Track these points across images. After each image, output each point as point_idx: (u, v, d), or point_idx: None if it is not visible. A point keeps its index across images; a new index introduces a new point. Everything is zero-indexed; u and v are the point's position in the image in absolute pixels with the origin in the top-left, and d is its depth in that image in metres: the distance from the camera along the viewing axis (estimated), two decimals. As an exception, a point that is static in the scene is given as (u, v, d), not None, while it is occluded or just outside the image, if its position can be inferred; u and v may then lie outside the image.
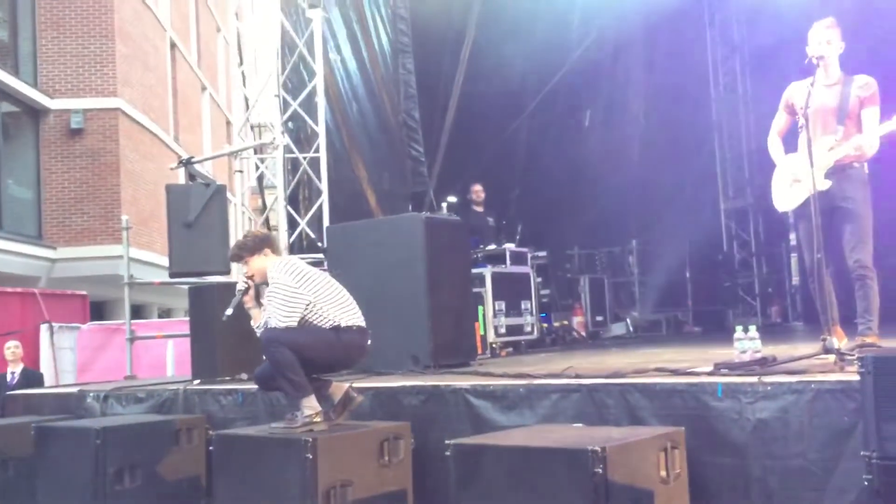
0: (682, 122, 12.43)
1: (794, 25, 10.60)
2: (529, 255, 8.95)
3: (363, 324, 4.58)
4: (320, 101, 7.21)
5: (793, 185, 4.87)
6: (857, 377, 3.38)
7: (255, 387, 5.52)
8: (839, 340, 4.33)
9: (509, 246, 8.65)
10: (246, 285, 4.59)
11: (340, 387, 4.48)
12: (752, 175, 12.87)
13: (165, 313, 19.62)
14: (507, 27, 10.16)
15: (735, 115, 13.06)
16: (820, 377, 3.67)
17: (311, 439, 4.05)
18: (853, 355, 3.85)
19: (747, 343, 4.18)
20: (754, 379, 3.75)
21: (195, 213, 6.84)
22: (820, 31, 4.68)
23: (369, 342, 4.62)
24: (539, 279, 9.36)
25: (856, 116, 4.72)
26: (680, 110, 12.40)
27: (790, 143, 4.96)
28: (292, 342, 4.33)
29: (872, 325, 4.58)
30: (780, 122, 5.04)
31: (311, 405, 4.26)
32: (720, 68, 13.06)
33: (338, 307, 4.50)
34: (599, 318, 11.15)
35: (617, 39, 12.17)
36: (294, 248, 7.07)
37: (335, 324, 4.45)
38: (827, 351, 4.16)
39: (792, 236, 11.68)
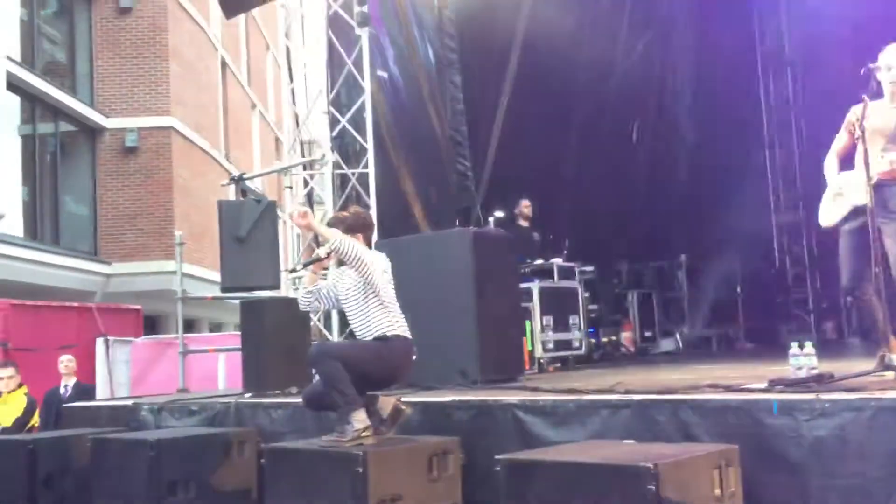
0: (732, 136, 12.29)
1: (846, 38, 10.48)
2: (577, 270, 8.90)
3: (409, 335, 4.59)
4: (368, 117, 7.30)
5: (834, 198, 4.79)
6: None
7: (306, 400, 5.59)
8: (896, 354, 4.23)
9: (557, 260, 8.62)
10: (326, 254, 4.53)
11: (388, 400, 4.49)
12: (804, 189, 12.64)
13: (216, 327, 19.93)
14: (554, 41, 10.16)
15: (787, 129, 12.85)
16: (879, 394, 3.58)
17: (361, 453, 4.07)
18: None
19: (803, 359, 4.10)
20: (811, 396, 3.67)
21: (247, 228, 6.94)
22: (891, 54, 4.57)
23: (415, 356, 4.63)
24: (587, 294, 9.30)
25: None
26: (730, 123, 12.25)
27: (848, 165, 4.88)
28: (342, 355, 4.36)
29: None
30: (840, 141, 4.93)
31: (360, 419, 4.28)
32: (771, 81, 12.88)
33: (394, 312, 4.52)
34: (648, 334, 11.04)
35: (665, 53, 12.09)
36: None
37: (382, 333, 4.46)
38: (886, 367, 4.07)
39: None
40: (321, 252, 4.60)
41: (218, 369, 9.05)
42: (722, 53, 12.19)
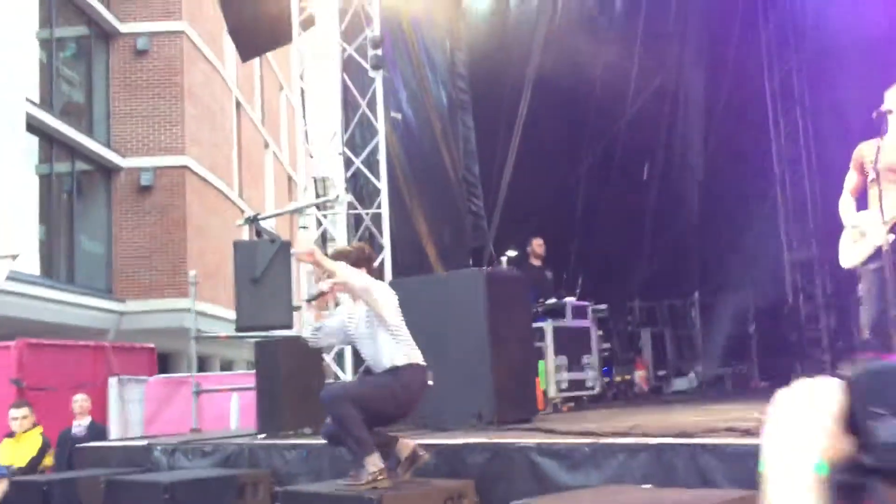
0: (743, 173, 12.31)
1: (855, 76, 10.54)
2: (590, 309, 8.89)
3: (422, 361, 4.58)
4: (382, 158, 7.37)
5: (858, 239, 4.79)
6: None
7: (321, 441, 5.58)
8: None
9: (570, 300, 8.61)
10: (329, 287, 4.59)
11: (408, 444, 4.48)
12: (816, 226, 12.60)
13: (227, 364, 19.94)
14: (565, 81, 10.26)
15: (797, 165, 12.86)
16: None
17: (376, 497, 4.06)
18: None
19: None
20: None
21: (261, 268, 6.99)
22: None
23: (430, 381, 4.60)
24: (600, 332, 9.27)
25: None
26: (741, 161, 12.28)
27: (863, 203, 4.90)
28: (355, 397, 4.37)
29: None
30: (851, 181, 4.96)
31: (374, 462, 4.27)
32: (781, 119, 12.92)
33: (405, 340, 4.53)
34: (662, 373, 10.98)
35: (676, 91, 12.18)
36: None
37: (394, 363, 4.46)
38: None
39: (860, 288, 11.37)
40: (324, 286, 4.65)
41: (231, 408, 9.05)
42: (731, 91, 12.27)
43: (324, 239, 8.12)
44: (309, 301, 4.78)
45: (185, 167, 16.06)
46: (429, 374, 4.60)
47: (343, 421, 4.31)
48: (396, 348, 4.50)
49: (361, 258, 4.72)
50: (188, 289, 8.80)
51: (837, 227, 5.17)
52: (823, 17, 11.61)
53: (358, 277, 4.44)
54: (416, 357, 4.57)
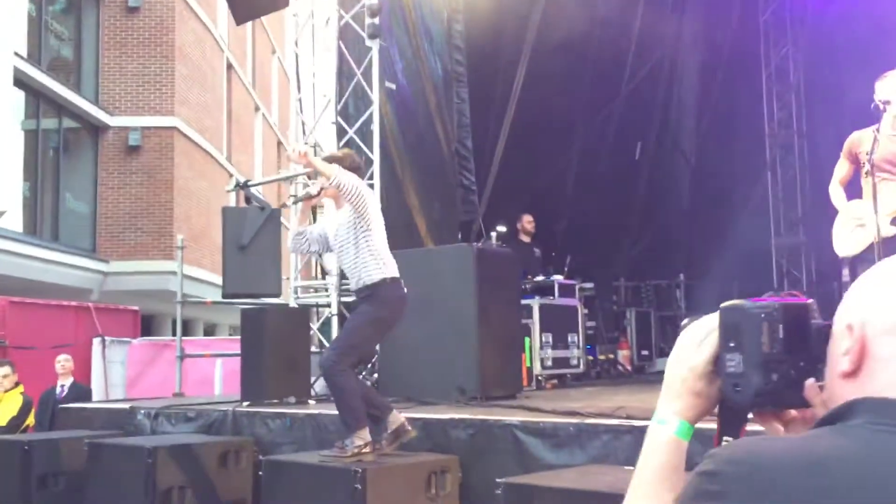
0: (734, 157, 12.32)
1: (850, 65, 10.54)
2: (577, 287, 8.92)
3: (398, 274, 4.62)
4: (376, 129, 7.30)
5: (856, 229, 4.80)
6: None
7: (304, 411, 5.60)
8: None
9: (557, 277, 8.63)
10: (318, 191, 4.64)
11: (398, 417, 4.49)
12: (805, 212, 12.66)
13: (211, 328, 19.93)
14: (561, 57, 10.20)
15: (789, 152, 12.88)
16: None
17: (360, 469, 4.08)
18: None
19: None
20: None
21: (249, 236, 6.94)
22: (893, 81, 4.62)
23: (405, 290, 4.64)
24: (585, 311, 9.32)
25: None
26: (732, 145, 12.29)
27: (850, 191, 4.91)
28: (348, 350, 4.44)
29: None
30: (842, 170, 4.97)
31: (362, 436, 4.29)
32: (775, 104, 12.91)
33: (384, 253, 4.58)
34: (645, 353, 11.05)
35: (671, 73, 12.15)
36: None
37: (372, 279, 4.47)
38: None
39: (845, 273, 11.45)
40: (312, 189, 4.66)
41: (215, 374, 9.05)
42: (726, 75, 12.24)
43: (313, 209, 8.08)
44: (295, 203, 4.77)
45: (174, 128, 15.89)
46: (404, 289, 4.64)
47: (342, 393, 4.35)
48: (375, 263, 4.50)
49: (353, 166, 4.67)
50: (173, 251, 8.75)
51: (825, 214, 5.19)
52: (821, 5, 11.58)
53: (351, 178, 4.42)
54: (393, 270, 4.58)
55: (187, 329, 16.45)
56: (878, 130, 4.53)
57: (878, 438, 0.93)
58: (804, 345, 1.13)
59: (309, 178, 7.79)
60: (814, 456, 0.93)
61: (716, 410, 1.19)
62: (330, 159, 4.69)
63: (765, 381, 1.12)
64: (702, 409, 1.18)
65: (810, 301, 1.16)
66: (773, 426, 1.17)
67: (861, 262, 4.78)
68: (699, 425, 1.18)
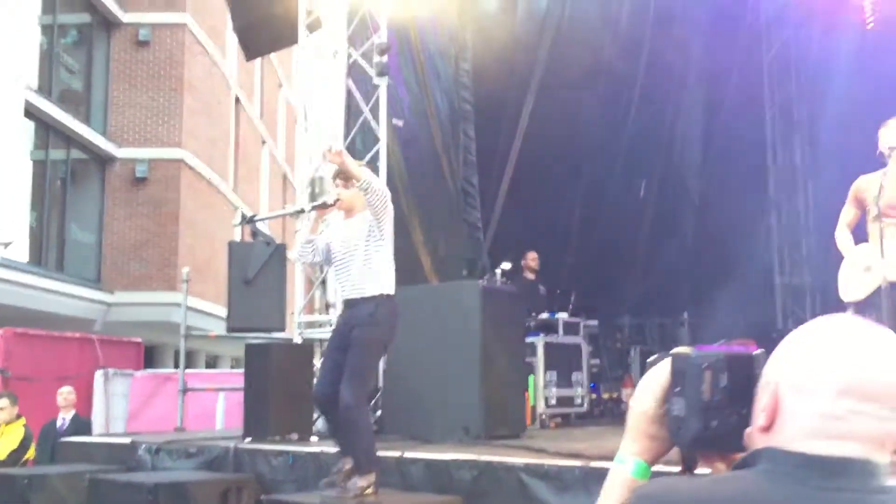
0: (738, 196, 12.34)
1: (854, 106, 10.60)
2: (582, 325, 8.89)
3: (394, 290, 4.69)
4: (382, 165, 7.33)
5: (862, 274, 4.79)
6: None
7: (307, 449, 5.56)
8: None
9: (562, 315, 8.61)
10: (333, 201, 4.66)
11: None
12: (809, 253, 12.66)
13: (213, 360, 19.87)
14: (567, 95, 10.28)
15: (794, 192, 12.92)
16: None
17: (363, 511, 4.04)
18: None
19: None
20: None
21: (254, 270, 6.95)
22: None
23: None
24: (590, 349, 9.28)
25: None
26: (737, 183, 12.32)
27: (856, 235, 4.92)
28: (367, 377, 4.55)
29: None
30: (848, 214, 4.98)
31: (368, 477, 4.25)
32: (779, 144, 12.98)
33: (391, 268, 4.66)
34: (649, 391, 10.97)
35: (676, 111, 12.21)
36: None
37: (374, 292, 4.51)
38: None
39: (849, 314, 11.42)
40: (328, 198, 4.70)
41: (217, 408, 9.00)
42: (731, 114, 12.30)
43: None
44: (313, 209, 4.77)
45: (181, 160, 15.99)
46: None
47: (361, 431, 4.35)
48: (381, 273, 4.55)
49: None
50: (178, 282, 8.77)
51: (830, 255, 5.20)
52: (825, 47, 11.68)
53: (381, 183, 4.61)
54: (392, 286, 4.64)
55: (189, 360, 16.38)
56: (885, 175, 4.54)
57: (771, 485, 1.05)
58: (747, 394, 1.17)
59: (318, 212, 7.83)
60: (713, 496, 1.08)
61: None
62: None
63: (703, 427, 1.17)
64: (657, 451, 1.25)
65: (757, 352, 1.21)
66: (715, 466, 1.23)
67: (866, 306, 4.77)
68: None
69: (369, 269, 4.54)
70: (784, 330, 13.35)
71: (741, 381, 1.18)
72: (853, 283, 4.86)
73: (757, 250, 12.75)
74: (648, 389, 1.25)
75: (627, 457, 1.26)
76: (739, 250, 12.24)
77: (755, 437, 1.14)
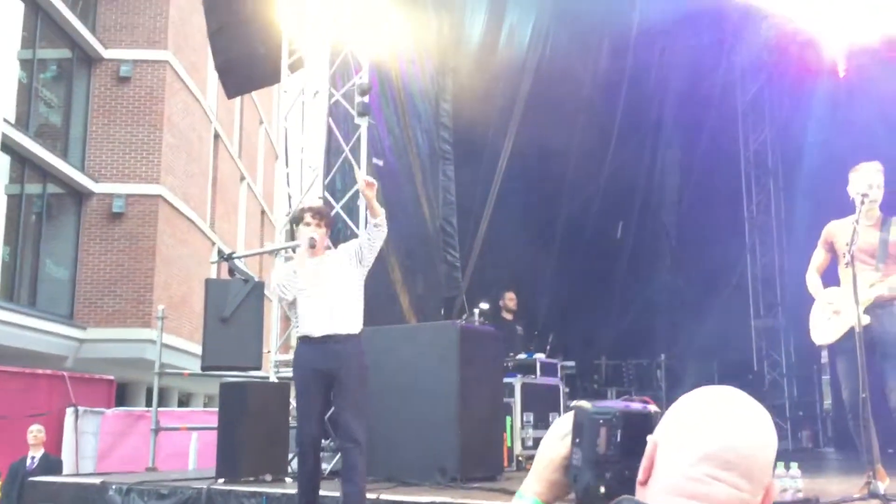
0: (714, 238, 12.49)
1: (827, 152, 10.83)
2: (559, 366, 8.88)
3: None
4: (362, 204, 7.34)
5: (832, 317, 4.86)
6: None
7: (281, 490, 5.48)
8: (882, 482, 4.23)
9: (540, 356, 8.60)
10: (314, 241, 4.79)
11: None
12: (783, 295, 12.80)
13: (186, 398, 19.60)
14: (545, 138, 10.38)
15: (768, 235, 13.10)
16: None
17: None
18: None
19: (788, 481, 4.10)
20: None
21: (231, 308, 6.90)
22: (870, 174, 4.76)
23: None
24: (566, 390, 9.26)
25: (895, 256, 4.76)
26: (713, 226, 12.47)
27: (827, 279, 5.00)
28: (366, 411, 4.68)
29: (917, 467, 4.47)
30: (818, 258, 5.07)
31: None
32: (754, 188, 13.19)
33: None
34: (626, 433, 10.95)
35: (653, 154, 12.38)
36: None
37: (358, 328, 4.77)
38: (871, 495, 4.06)
39: (823, 355, 11.53)
40: (318, 237, 4.81)
41: (190, 447, 8.86)
42: (707, 158, 12.49)
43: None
44: (312, 247, 4.82)
45: (159, 196, 15.92)
46: None
47: (364, 471, 4.41)
48: (359, 313, 4.78)
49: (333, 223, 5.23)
50: (152, 319, 8.67)
51: (804, 298, 5.27)
52: (798, 95, 11.94)
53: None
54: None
55: (162, 399, 16.15)
56: (857, 222, 4.63)
57: None
58: (640, 449, 1.21)
59: (293, 251, 7.82)
60: None
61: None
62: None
63: (597, 478, 1.24)
64: (556, 494, 1.33)
65: (654, 411, 1.27)
66: None
67: (837, 350, 4.83)
68: None
69: (353, 306, 4.67)
70: (759, 372, 13.49)
71: (636, 437, 1.22)
72: (823, 326, 4.93)
73: (733, 292, 12.87)
74: (558, 437, 1.32)
75: (528, 494, 1.33)
76: (715, 292, 12.35)
77: (637, 491, 1.20)
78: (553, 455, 1.32)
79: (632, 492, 1.21)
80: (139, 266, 15.54)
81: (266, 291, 7.80)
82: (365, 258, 4.81)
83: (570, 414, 1.31)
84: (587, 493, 1.25)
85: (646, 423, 1.25)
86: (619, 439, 1.26)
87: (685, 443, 1.15)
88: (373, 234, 4.79)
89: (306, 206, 5.12)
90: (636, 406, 1.30)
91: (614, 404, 1.29)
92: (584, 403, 1.29)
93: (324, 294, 4.67)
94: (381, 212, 4.76)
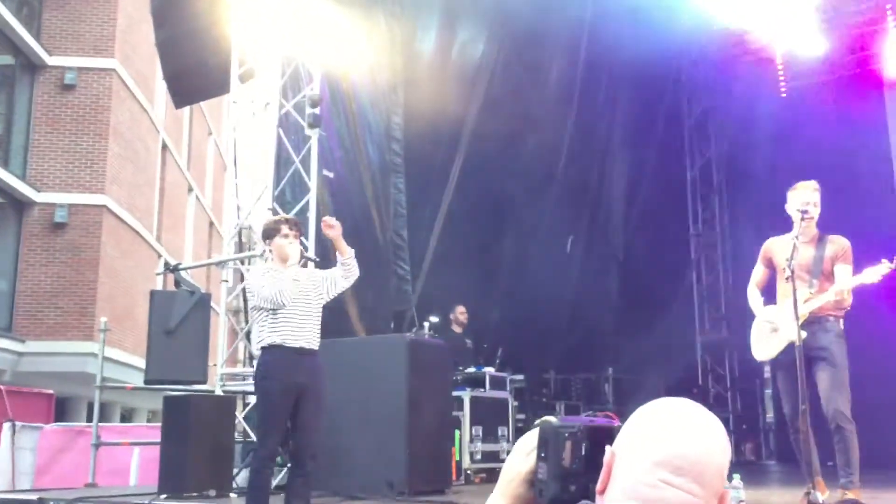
0: (661, 254, 12.69)
1: (769, 170, 11.11)
2: (508, 380, 8.92)
3: None
4: (312, 216, 7.29)
5: (770, 334, 4.97)
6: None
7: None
8: (822, 493, 4.32)
9: (489, 369, 8.62)
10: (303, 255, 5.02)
11: None
12: (728, 310, 13.06)
13: (129, 413, 19.16)
14: (496, 152, 10.46)
15: (713, 251, 13.37)
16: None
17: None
18: (837, 511, 3.84)
19: (731, 492, 4.16)
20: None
21: (177, 320, 6.79)
22: (808, 193, 4.89)
23: None
24: (516, 403, 9.30)
25: (829, 273, 4.90)
26: (660, 242, 12.68)
27: (767, 294, 5.12)
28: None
29: (854, 478, 4.58)
30: (758, 274, 5.20)
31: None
32: (699, 205, 13.46)
33: None
34: (574, 447, 11.03)
35: (602, 170, 12.56)
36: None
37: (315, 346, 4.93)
38: (811, 505, 4.15)
39: (766, 370, 11.78)
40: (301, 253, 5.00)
41: (131, 463, 8.66)
42: (655, 176, 12.71)
43: (244, 292, 7.96)
44: (304, 266, 5.07)
45: (104, 206, 15.59)
46: None
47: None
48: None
49: None
50: (94, 332, 8.47)
51: (747, 313, 5.39)
52: (742, 114, 12.24)
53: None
54: None
55: (104, 414, 15.76)
56: (797, 238, 4.75)
57: None
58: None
59: (241, 262, 7.72)
60: None
61: None
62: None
63: (561, 491, 1.27)
64: None
65: (618, 426, 1.30)
66: None
67: (777, 365, 4.94)
68: None
69: (316, 328, 4.82)
70: (704, 386, 13.71)
71: (600, 451, 1.26)
72: (762, 343, 5.04)
73: (679, 307, 13.08)
74: (524, 453, 1.36)
75: None
76: (662, 307, 12.55)
77: (597, 500, 1.24)
78: (520, 469, 1.35)
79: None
80: (82, 278, 15.18)
81: (213, 304, 7.68)
82: (330, 292, 4.95)
83: (535, 430, 1.34)
84: None
85: (610, 438, 1.28)
86: (583, 453, 1.29)
87: (640, 451, 1.19)
88: (345, 274, 4.97)
89: (282, 218, 5.12)
90: (600, 421, 1.33)
91: (579, 419, 1.33)
92: (550, 419, 1.33)
93: (306, 307, 4.78)
94: (350, 251, 4.88)
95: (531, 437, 1.35)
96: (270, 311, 4.67)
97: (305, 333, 4.71)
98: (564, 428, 1.30)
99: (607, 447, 1.24)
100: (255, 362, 7.52)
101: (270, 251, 4.98)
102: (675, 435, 1.19)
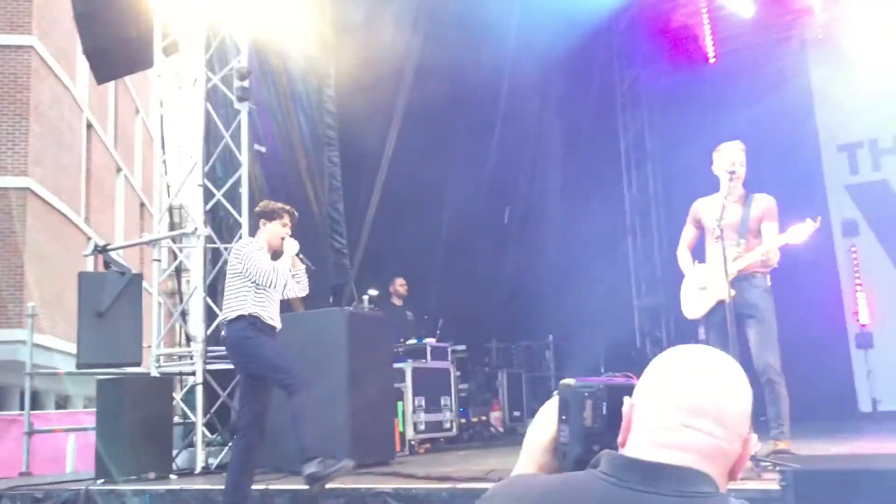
0: (597, 221, 12.83)
1: (699, 134, 11.30)
2: (450, 350, 8.95)
3: None
4: (244, 192, 7.16)
5: (699, 292, 5.07)
6: (775, 486, 3.46)
7: (164, 487, 5.30)
8: (754, 447, 4.44)
9: (430, 341, 8.64)
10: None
11: None
12: (663, 274, 13.29)
13: (64, 401, 18.70)
14: (431, 122, 10.39)
15: (647, 216, 13.57)
16: (737, 485, 3.72)
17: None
18: (769, 462, 3.95)
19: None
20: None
21: (108, 302, 6.62)
22: (735, 152, 4.98)
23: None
24: (458, 373, 9.35)
25: (756, 231, 5.00)
26: (596, 209, 12.81)
27: (697, 254, 5.22)
28: None
29: (784, 429, 4.72)
30: (688, 234, 5.29)
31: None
32: (633, 171, 13.63)
33: None
34: (517, 413, 11.16)
35: (536, 139, 12.61)
36: (210, 341, 6.90)
37: None
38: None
39: (701, 331, 12.06)
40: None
41: (67, 450, 8.46)
42: (589, 143, 12.82)
43: (178, 271, 7.80)
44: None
45: (27, 189, 15.06)
46: None
47: None
48: None
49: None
50: (23, 319, 8.19)
51: (681, 277, 5.48)
52: (672, 81, 12.41)
53: None
54: None
55: (37, 402, 15.36)
56: (726, 198, 4.83)
57: (597, 483, 1.16)
58: None
59: (174, 241, 7.55)
60: (559, 489, 1.19)
61: None
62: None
63: (585, 451, 1.28)
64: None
65: (636, 382, 1.30)
66: None
67: (708, 323, 5.05)
68: None
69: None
70: (642, 349, 13.96)
71: (620, 409, 1.26)
72: (692, 301, 5.14)
73: (616, 273, 13.27)
74: (544, 422, 1.36)
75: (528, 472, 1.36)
76: (600, 273, 12.69)
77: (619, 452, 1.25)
78: (542, 438, 1.36)
79: None
80: (8, 263, 14.68)
81: (145, 284, 7.50)
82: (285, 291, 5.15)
83: (553, 400, 1.35)
84: (577, 467, 1.26)
85: (630, 395, 1.28)
86: (604, 412, 1.30)
87: (659, 397, 1.20)
88: (297, 276, 5.14)
89: (287, 208, 5.18)
90: (619, 380, 1.34)
91: (597, 379, 1.33)
92: (569, 380, 1.33)
93: (278, 294, 5.02)
94: (301, 266, 5.15)
95: (551, 406, 1.35)
96: (255, 285, 4.79)
97: (276, 317, 4.98)
98: (584, 388, 1.30)
99: (626, 398, 1.24)
100: (192, 344, 7.40)
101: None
102: (694, 379, 1.19)
